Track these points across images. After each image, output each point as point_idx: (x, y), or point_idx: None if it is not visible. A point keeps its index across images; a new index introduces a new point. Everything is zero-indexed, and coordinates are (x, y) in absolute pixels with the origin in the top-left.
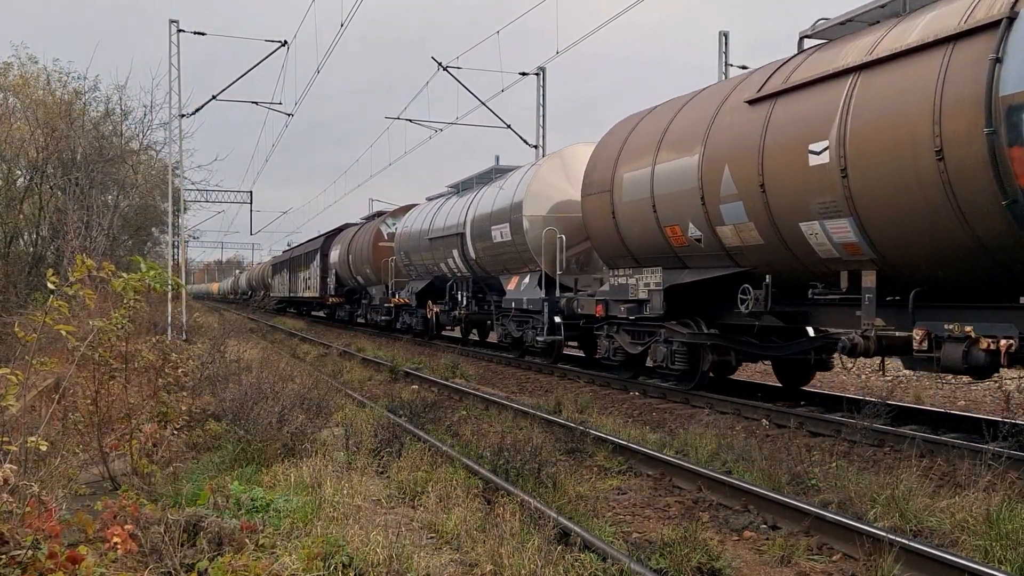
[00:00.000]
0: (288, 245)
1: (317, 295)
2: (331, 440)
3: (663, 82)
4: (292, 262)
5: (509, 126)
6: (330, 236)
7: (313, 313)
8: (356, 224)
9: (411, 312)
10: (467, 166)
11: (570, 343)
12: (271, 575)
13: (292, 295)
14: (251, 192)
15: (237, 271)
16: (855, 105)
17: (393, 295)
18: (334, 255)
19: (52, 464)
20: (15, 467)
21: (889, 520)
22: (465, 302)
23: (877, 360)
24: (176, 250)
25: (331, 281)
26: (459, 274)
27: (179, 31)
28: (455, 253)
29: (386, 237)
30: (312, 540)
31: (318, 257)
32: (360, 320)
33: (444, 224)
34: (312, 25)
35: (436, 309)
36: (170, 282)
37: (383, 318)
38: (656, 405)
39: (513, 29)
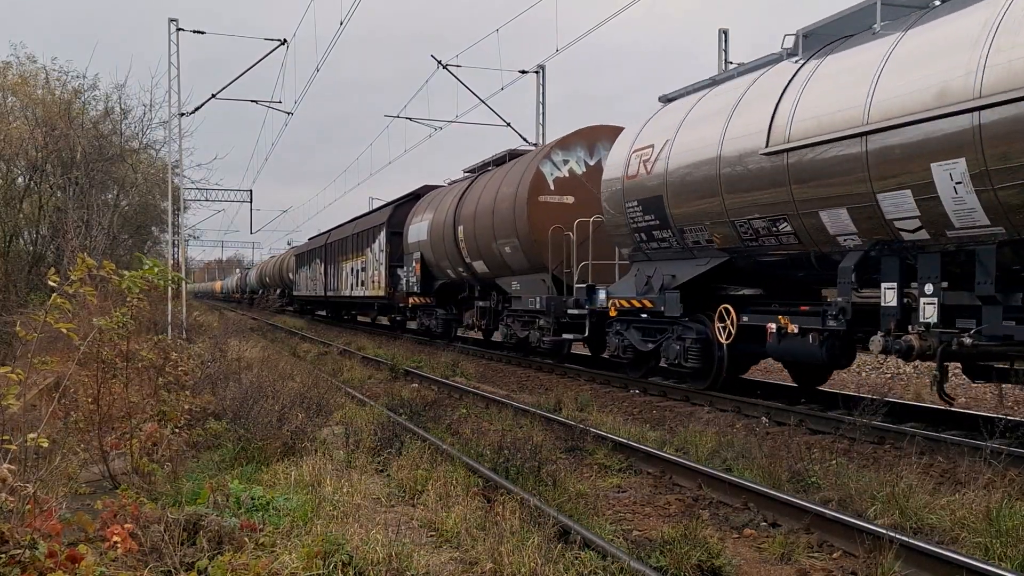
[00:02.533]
0: (288, 244)
1: (382, 294)
2: (331, 439)
3: (678, 75)
4: (330, 249)
5: (509, 124)
6: (400, 205)
7: (360, 318)
8: (461, 179)
9: (654, 331)
10: (467, 162)
11: None
12: (271, 574)
13: (333, 294)
14: (251, 191)
15: (238, 270)
16: None
17: (595, 291)
18: (417, 231)
19: (52, 463)
20: (14, 467)
21: (889, 517)
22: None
23: (877, 359)
24: (176, 249)
25: (409, 273)
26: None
27: (179, 30)
28: (951, 175)
29: (553, 186)
30: (312, 539)
31: (382, 237)
32: (482, 335)
33: (855, 114)
34: (312, 24)
35: (791, 327)
36: (171, 278)
37: (548, 338)
38: (656, 403)
39: (513, 28)
